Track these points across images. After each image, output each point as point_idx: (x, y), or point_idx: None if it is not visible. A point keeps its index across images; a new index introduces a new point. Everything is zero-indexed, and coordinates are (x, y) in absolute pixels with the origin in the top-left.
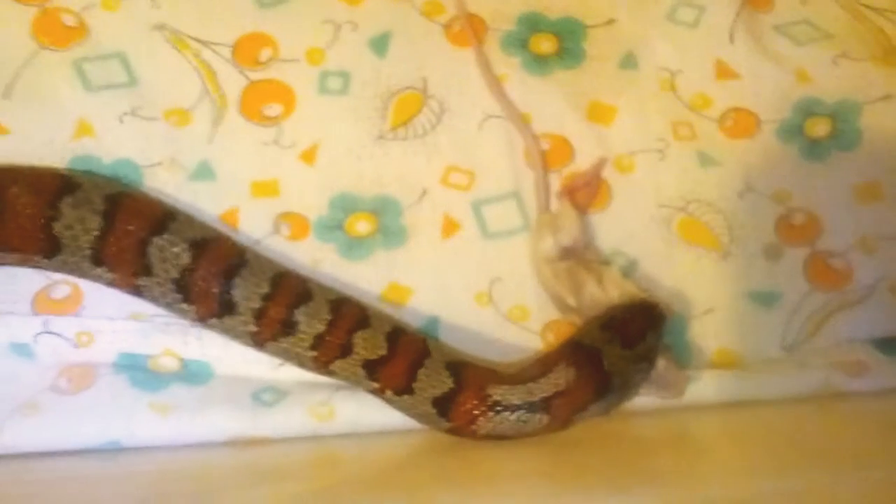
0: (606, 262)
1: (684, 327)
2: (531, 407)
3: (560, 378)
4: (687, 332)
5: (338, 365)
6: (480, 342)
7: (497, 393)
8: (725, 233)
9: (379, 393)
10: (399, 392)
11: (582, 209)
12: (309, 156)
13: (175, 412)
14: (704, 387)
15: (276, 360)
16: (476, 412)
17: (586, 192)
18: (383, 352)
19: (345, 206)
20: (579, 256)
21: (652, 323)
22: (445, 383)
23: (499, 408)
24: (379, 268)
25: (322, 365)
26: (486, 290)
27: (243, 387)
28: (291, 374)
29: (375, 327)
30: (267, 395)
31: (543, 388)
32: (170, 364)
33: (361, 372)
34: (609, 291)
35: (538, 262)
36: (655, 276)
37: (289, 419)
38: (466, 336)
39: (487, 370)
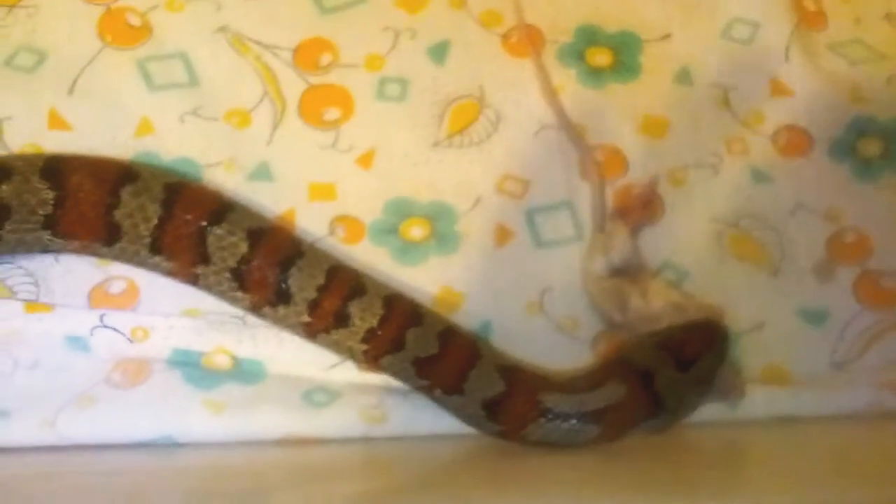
0: (654, 274)
1: (734, 342)
2: (583, 417)
3: (612, 393)
4: (736, 348)
5: (388, 360)
6: (531, 350)
7: (549, 400)
8: (776, 249)
9: (428, 391)
10: (449, 391)
11: (635, 229)
12: (366, 160)
13: (228, 409)
14: (753, 402)
15: (329, 361)
16: (527, 417)
17: (641, 213)
18: (434, 350)
19: (400, 210)
20: (629, 275)
21: (711, 344)
22: (496, 386)
23: (550, 415)
24: (432, 272)
25: (372, 359)
26: (537, 299)
27: (295, 387)
28: (343, 374)
29: (428, 325)
30: (319, 396)
31: (596, 401)
32: (223, 362)
33: (411, 369)
34: (653, 302)
35: (587, 281)
36: (705, 291)
37: (340, 420)
38: (518, 343)
39: (539, 376)
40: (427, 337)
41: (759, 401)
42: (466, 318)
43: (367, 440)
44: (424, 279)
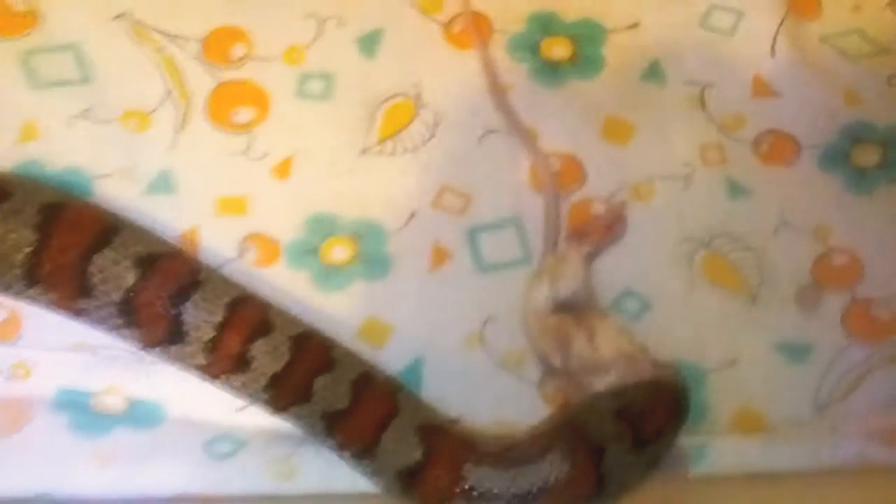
0: (604, 315)
1: (701, 381)
2: (511, 500)
3: (552, 470)
4: (704, 388)
5: (295, 411)
6: (469, 390)
7: (474, 475)
8: (755, 273)
9: (338, 451)
10: (359, 455)
11: (592, 254)
12: (282, 170)
13: (117, 461)
14: (720, 453)
15: (237, 403)
16: (446, 494)
17: (601, 236)
18: (345, 404)
19: (321, 229)
20: (576, 311)
21: (674, 417)
22: (413, 453)
23: (474, 493)
24: (357, 301)
25: (277, 410)
26: (477, 330)
27: (196, 434)
28: (253, 419)
29: (340, 372)
30: (222, 445)
31: (530, 479)
32: (115, 404)
33: (320, 424)
34: (602, 349)
35: (527, 315)
36: (671, 322)
37: (244, 475)
38: (453, 382)
39: (465, 442)
40: (338, 386)
41: (727, 452)
42: (394, 353)
43: (274, 498)
44: (348, 308)
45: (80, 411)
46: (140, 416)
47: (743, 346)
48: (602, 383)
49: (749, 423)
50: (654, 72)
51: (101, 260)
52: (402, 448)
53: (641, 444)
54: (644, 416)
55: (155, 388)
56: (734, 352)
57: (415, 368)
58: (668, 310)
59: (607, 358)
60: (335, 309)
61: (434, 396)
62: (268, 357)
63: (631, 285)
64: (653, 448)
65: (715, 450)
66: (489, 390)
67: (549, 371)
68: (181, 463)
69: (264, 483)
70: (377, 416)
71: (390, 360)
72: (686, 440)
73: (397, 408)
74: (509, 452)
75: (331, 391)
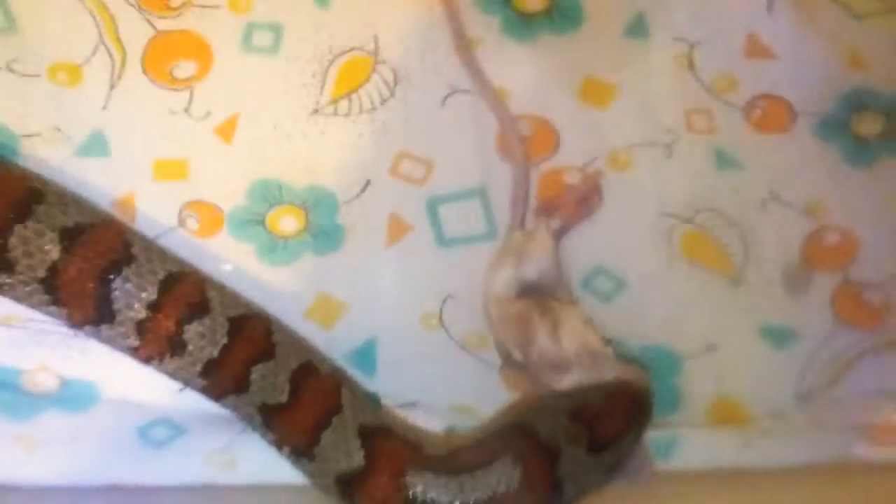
0: (573, 302)
1: (677, 368)
2: None
3: (502, 477)
4: (679, 375)
5: (231, 401)
6: (426, 373)
7: (418, 483)
8: (739, 252)
9: (276, 447)
10: (298, 453)
11: (562, 230)
12: (226, 130)
13: (44, 447)
14: (693, 448)
15: (176, 384)
16: (388, 501)
17: (574, 210)
18: (283, 398)
19: (268, 196)
20: (541, 296)
21: (634, 421)
22: (354, 457)
23: (418, 503)
24: (306, 276)
25: (214, 397)
26: (436, 309)
27: (132, 417)
28: (192, 401)
29: (281, 361)
30: (159, 431)
31: (479, 487)
32: (47, 383)
33: (257, 417)
34: (564, 343)
35: (488, 297)
36: (646, 303)
37: (181, 465)
38: (408, 365)
39: (411, 446)
40: (277, 376)
41: (699, 446)
42: (346, 333)
43: (210, 488)
44: (296, 284)
45: (9, 390)
46: (73, 396)
47: (723, 331)
48: (562, 383)
49: (726, 414)
50: (638, 26)
51: (23, 232)
52: (343, 450)
53: (598, 447)
54: (601, 418)
55: (89, 367)
56: (713, 336)
57: (367, 349)
58: (644, 290)
59: (570, 354)
60: (282, 284)
61: (388, 379)
62: (203, 341)
63: (603, 263)
64: (610, 453)
65: (687, 443)
66: (447, 373)
67: (509, 364)
68: (115, 450)
69: (203, 473)
70: (317, 413)
71: (341, 340)
72: (656, 433)
73: (340, 404)
74: (456, 457)
75: (269, 382)
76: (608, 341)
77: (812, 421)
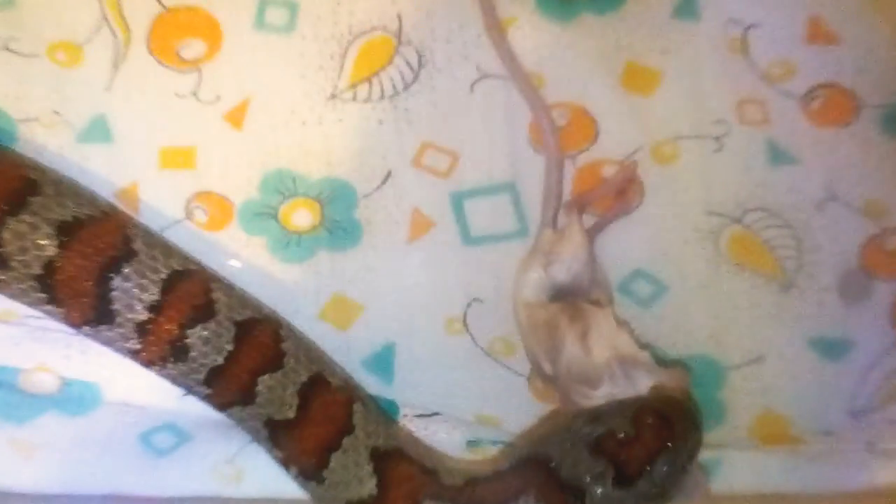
0: (606, 303)
1: (720, 380)
2: None
3: None
4: (723, 387)
5: (236, 413)
6: (448, 381)
7: None
8: (792, 255)
9: (283, 466)
10: (306, 475)
11: (598, 227)
12: (236, 116)
13: (42, 452)
14: (739, 471)
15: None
16: None
17: (611, 205)
18: (291, 413)
19: (281, 188)
20: (571, 300)
21: (670, 441)
22: (366, 484)
23: None
24: (321, 274)
25: (219, 407)
26: (460, 313)
27: (134, 422)
28: (199, 407)
29: (289, 372)
30: (162, 438)
31: None
32: (46, 383)
33: (263, 431)
34: (594, 353)
35: (517, 301)
36: (688, 310)
37: (184, 475)
38: (430, 372)
39: (426, 473)
40: (285, 389)
41: (745, 468)
42: (362, 337)
43: (214, 501)
44: (310, 282)
45: (7, 391)
46: (73, 398)
47: (771, 341)
48: (592, 399)
49: (771, 431)
50: (687, 6)
51: (17, 226)
52: (355, 475)
53: (627, 480)
54: (625, 447)
55: (91, 367)
56: (760, 347)
57: (385, 354)
58: (686, 295)
59: (599, 363)
60: (295, 283)
61: (407, 387)
62: (208, 347)
63: (643, 265)
64: (645, 483)
65: (730, 464)
66: (471, 382)
67: (540, 376)
68: (116, 457)
69: (208, 485)
70: (327, 433)
71: (357, 343)
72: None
73: (352, 423)
74: (474, 490)
75: (276, 395)
76: (645, 345)
77: (866, 444)
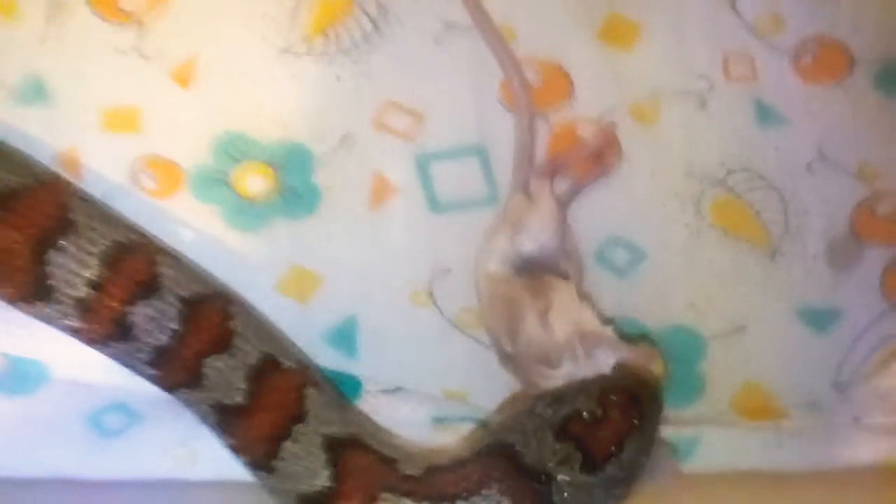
0: (574, 277)
1: (700, 352)
2: None
3: None
4: (703, 359)
5: (184, 396)
6: (414, 356)
7: None
8: (779, 220)
9: (234, 454)
10: (257, 465)
11: (572, 193)
12: (183, 75)
13: None
14: (716, 449)
15: None
16: None
17: (588, 169)
18: (240, 398)
19: (233, 151)
20: (542, 271)
21: (637, 422)
22: (319, 476)
23: None
24: (277, 244)
25: (166, 388)
26: (426, 284)
27: (82, 402)
28: (150, 385)
29: (238, 354)
30: (112, 418)
31: None
32: None
33: (212, 416)
34: (554, 330)
35: (479, 271)
36: (668, 278)
37: (135, 458)
38: (395, 347)
39: (384, 462)
40: (234, 372)
41: (722, 446)
42: (322, 310)
43: (167, 484)
44: (266, 252)
45: None
46: (20, 376)
47: (755, 310)
48: (552, 379)
49: (753, 404)
50: None
51: None
52: (307, 467)
53: (595, 464)
54: (592, 430)
55: (35, 343)
56: (743, 316)
57: (347, 328)
58: (666, 262)
59: (560, 340)
60: (250, 253)
61: (370, 362)
62: (152, 325)
63: (620, 231)
64: (613, 467)
65: (709, 442)
66: (438, 356)
67: (499, 355)
68: (62, 439)
69: (160, 467)
70: (278, 420)
71: (317, 317)
72: (673, 430)
73: (304, 410)
74: (435, 479)
75: (224, 378)
76: (609, 320)
77: (851, 416)
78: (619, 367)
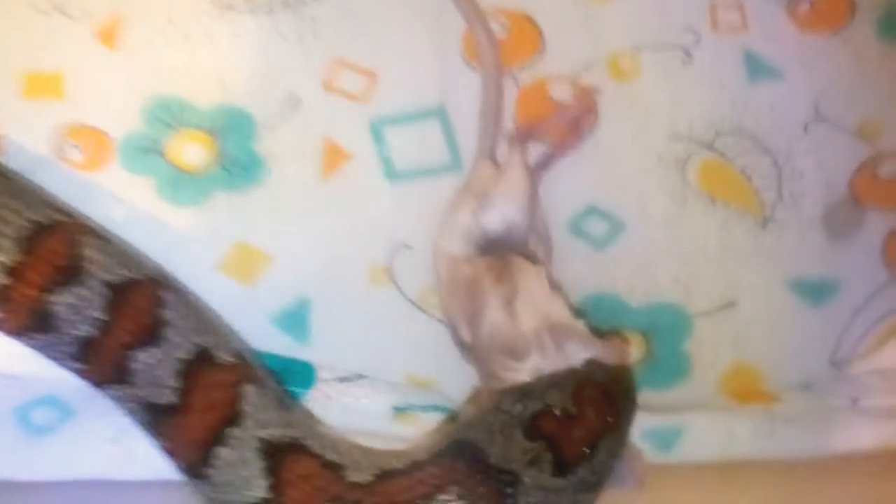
0: (542, 259)
1: (686, 330)
2: None
3: None
4: (688, 338)
5: (114, 393)
6: (373, 340)
7: None
8: (772, 185)
9: (169, 457)
10: (191, 471)
11: (546, 161)
12: (108, 34)
13: None
14: (703, 437)
15: None
16: None
17: (560, 141)
18: (172, 397)
19: (167, 118)
20: (508, 251)
21: (612, 420)
22: (255, 485)
23: None
24: (219, 220)
25: (95, 384)
26: (385, 261)
27: (9, 395)
28: None
29: (169, 348)
30: (42, 414)
31: None
32: None
33: (143, 416)
34: (521, 319)
35: (438, 249)
36: (650, 249)
37: (68, 457)
38: (352, 330)
39: (329, 469)
40: (163, 367)
41: (709, 434)
42: (271, 292)
43: (103, 485)
44: (207, 229)
45: None
46: None
47: (745, 283)
48: (516, 373)
49: (743, 386)
50: None
51: None
52: (242, 475)
53: (567, 466)
54: (566, 428)
55: None
56: (733, 291)
57: (299, 311)
58: (648, 234)
59: (527, 331)
60: (189, 230)
61: (325, 347)
62: (76, 315)
63: (598, 200)
64: (585, 469)
65: (694, 431)
66: (400, 339)
67: (460, 345)
68: None
69: (95, 468)
70: (211, 422)
71: (265, 299)
72: (655, 418)
73: (241, 411)
74: (387, 486)
75: (154, 374)
76: (580, 312)
77: (849, 397)
78: (591, 363)
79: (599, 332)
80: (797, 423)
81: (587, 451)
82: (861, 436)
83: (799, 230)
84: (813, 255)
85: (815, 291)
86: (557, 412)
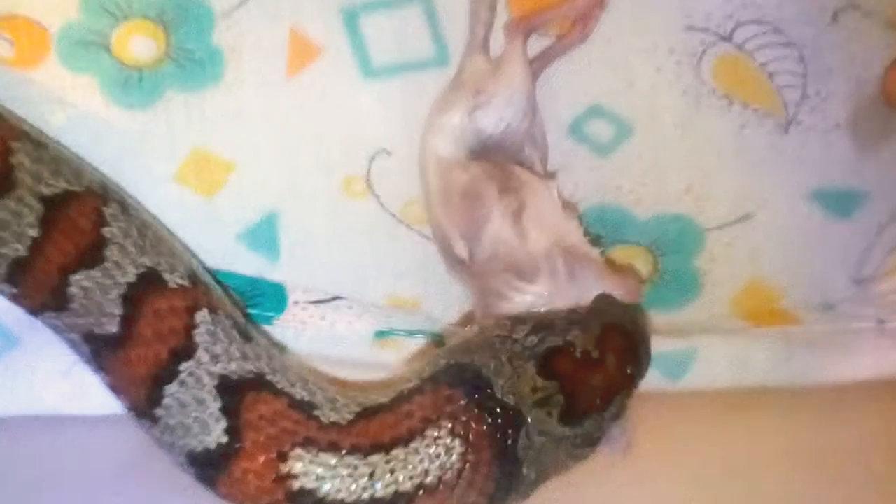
0: (538, 167)
1: (698, 244)
2: None
3: (431, 460)
4: (700, 253)
5: (51, 320)
6: (350, 256)
7: (309, 469)
8: (796, 83)
9: (114, 395)
10: (138, 411)
11: (541, 64)
12: None
13: None
14: (715, 362)
15: None
16: (267, 496)
17: (565, 36)
18: (114, 327)
19: (110, 6)
20: (503, 158)
21: (635, 369)
22: (211, 429)
23: (307, 500)
24: (173, 123)
25: (31, 311)
26: (362, 170)
27: None
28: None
29: (111, 270)
30: None
31: (396, 475)
32: None
33: (85, 349)
34: (532, 239)
35: (426, 151)
36: (660, 155)
37: (10, 391)
38: (325, 246)
39: (297, 408)
40: (106, 294)
41: (722, 359)
42: (234, 204)
43: (52, 420)
44: (160, 134)
45: None
46: None
47: (763, 193)
48: (524, 292)
49: (759, 305)
50: None
51: None
52: (196, 417)
53: (577, 415)
54: (583, 373)
55: None
56: (749, 201)
57: (266, 226)
58: (657, 138)
59: (536, 252)
60: (140, 135)
61: (297, 267)
62: (6, 231)
63: (602, 100)
64: (591, 424)
65: (706, 356)
66: (380, 256)
67: (449, 263)
68: None
69: (41, 403)
70: (159, 355)
71: (229, 213)
72: (665, 342)
73: (194, 342)
74: (366, 424)
75: (95, 300)
76: (598, 239)
77: (874, 318)
78: (602, 298)
79: (613, 265)
80: (818, 346)
81: (599, 402)
82: (888, 360)
83: (824, 134)
84: (838, 163)
85: (840, 203)
86: (578, 353)
